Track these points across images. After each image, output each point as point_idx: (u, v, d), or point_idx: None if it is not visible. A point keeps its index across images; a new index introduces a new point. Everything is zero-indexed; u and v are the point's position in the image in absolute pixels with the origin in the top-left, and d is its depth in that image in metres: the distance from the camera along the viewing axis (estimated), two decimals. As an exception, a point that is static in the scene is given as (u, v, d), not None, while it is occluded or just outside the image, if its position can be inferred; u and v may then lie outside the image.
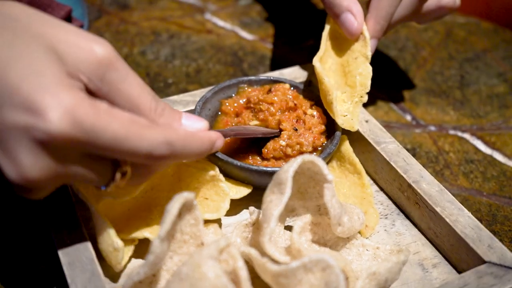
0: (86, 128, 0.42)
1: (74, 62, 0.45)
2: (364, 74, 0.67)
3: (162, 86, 0.84)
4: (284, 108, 0.67)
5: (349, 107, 0.67)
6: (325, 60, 0.70)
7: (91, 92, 0.46)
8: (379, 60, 0.94)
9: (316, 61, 0.66)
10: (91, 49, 0.45)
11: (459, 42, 1.01)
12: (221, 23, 1.01)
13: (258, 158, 0.65)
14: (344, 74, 0.69)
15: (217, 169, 0.60)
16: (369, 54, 0.68)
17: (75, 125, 0.42)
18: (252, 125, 0.66)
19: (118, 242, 0.51)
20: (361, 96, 0.67)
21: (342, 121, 0.65)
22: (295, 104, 0.67)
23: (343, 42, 0.71)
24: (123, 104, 0.47)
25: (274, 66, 0.90)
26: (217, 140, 0.54)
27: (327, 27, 0.71)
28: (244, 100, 0.70)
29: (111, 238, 0.51)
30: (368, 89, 0.67)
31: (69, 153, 0.44)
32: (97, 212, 0.52)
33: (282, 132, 0.65)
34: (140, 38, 0.94)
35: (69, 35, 0.46)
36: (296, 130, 0.66)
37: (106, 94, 0.47)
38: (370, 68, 0.67)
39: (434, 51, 0.98)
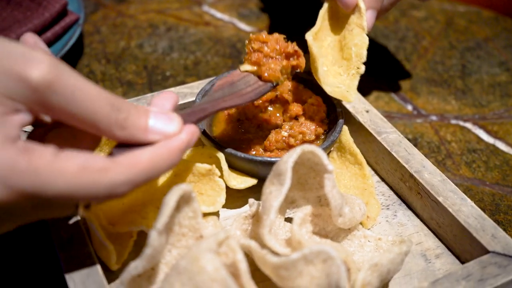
0: (28, 192, 0.38)
1: (5, 93, 0.39)
2: (359, 44, 0.65)
3: (160, 79, 0.83)
4: (282, 52, 0.62)
5: (345, 79, 0.65)
6: (323, 38, 0.68)
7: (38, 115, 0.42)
8: (380, 50, 0.93)
9: (308, 35, 0.63)
10: (23, 75, 0.38)
11: (460, 31, 1.00)
12: (219, 15, 1.00)
13: (261, 150, 0.64)
14: (341, 49, 0.67)
15: (213, 165, 0.59)
16: (365, 24, 0.65)
17: (14, 192, 0.38)
18: (243, 71, 0.61)
19: (107, 244, 0.50)
20: (358, 68, 0.64)
21: (330, 89, 0.63)
22: (295, 51, 0.62)
23: (341, 19, 0.68)
24: (78, 124, 0.42)
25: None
26: (190, 139, 0.47)
27: (325, 5, 0.69)
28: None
29: (101, 240, 0.51)
30: (363, 59, 0.64)
31: (21, 211, 0.40)
32: (86, 214, 0.52)
33: (283, 123, 0.64)
34: (137, 31, 0.93)
35: None
36: (297, 119, 0.65)
37: (56, 116, 0.41)
38: (366, 38, 0.65)
39: (434, 41, 0.97)
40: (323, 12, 0.68)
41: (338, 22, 0.69)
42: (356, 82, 0.64)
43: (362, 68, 0.64)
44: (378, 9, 0.67)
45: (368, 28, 0.65)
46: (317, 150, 0.51)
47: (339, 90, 0.64)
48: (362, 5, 0.65)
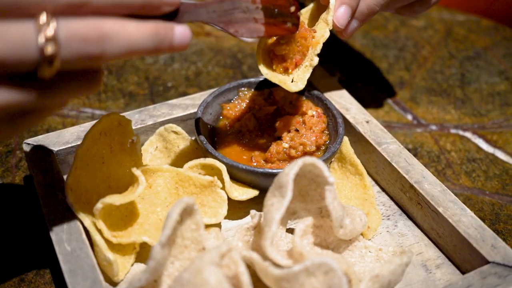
0: None
1: None
2: (317, 37, 0.63)
3: (162, 90, 0.84)
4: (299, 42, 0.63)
5: (297, 70, 0.63)
6: None
7: None
8: (380, 60, 0.94)
9: None
10: None
11: (459, 40, 1.00)
12: (220, 25, 1.00)
13: (263, 161, 0.64)
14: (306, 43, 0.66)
15: (215, 177, 0.59)
16: (330, 19, 0.64)
17: None
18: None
19: (110, 256, 0.51)
20: (311, 60, 0.63)
21: (266, 72, 0.62)
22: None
23: (317, 17, 0.68)
24: None
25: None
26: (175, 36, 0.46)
27: (310, 5, 0.68)
28: (245, 104, 0.69)
29: (103, 253, 0.51)
30: (317, 51, 0.62)
31: None
32: (89, 226, 0.52)
33: (284, 134, 0.65)
34: None
35: None
36: (298, 131, 0.65)
37: None
38: (327, 32, 0.63)
39: (434, 50, 0.97)
40: (305, 11, 0.68)
41: (314, 20, 0.68)
42: (307, 74, 0.62)
43: (315, 60, 0.62)
44: (354, 7, 0.64)
45: (340, 24, 0.64)
46: (318, 162, 0.52)
47: (279, 77, 0.62)
48: (332, 0, 0.64)
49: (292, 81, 0.62)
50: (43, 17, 0.40)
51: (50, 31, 0.40)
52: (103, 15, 0.43)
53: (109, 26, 0.42)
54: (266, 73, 0.62)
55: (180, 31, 0.47)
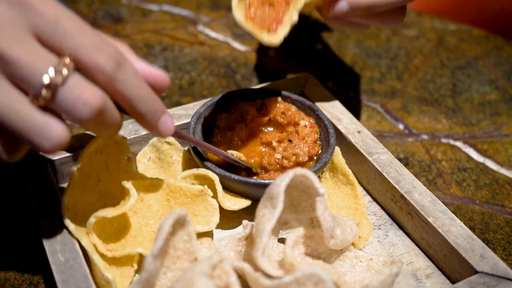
0: None
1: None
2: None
3: (156, 99, 0.85)
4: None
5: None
6: None
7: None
8: (372, 69, 0.95)
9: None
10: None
11: (451, 49, 1.01)
12: (213, 34, 1.01)
13: (258, 169, 0.65)
14: None
15: (205, 186, 0.60)
16: None
17: None
18: (231, 154, 0.65)
19: (109, 276, 0.51)
20: (292, 14, 0.58)
21: (239, 18, 0.59)
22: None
23: None
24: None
25: (267, 77, 0.90)
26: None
27: None
28: (238, 114, 0.70)
29: (101, 272, 0.51)
30: (299, 7, 0.58)
31: None
32: (86, 246, 0.53)
33: (276, 145, 0.66)
34: (133, 51, 0.95)
35: None
36: (291, 141, 0.66)
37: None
38: None
39: (426, 59, 0.98)
40: None
41: None
42: (285, 30, 0.59)
43: (295, 16, 0.58)
44: None
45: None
46: (308, 173, 0.52)
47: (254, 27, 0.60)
48: None
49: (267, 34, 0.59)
50: (65, 60, 0.44)
51: (62, 74, 0.44)
52: (109, 93, 0.47)
53: (109, 107, 0.47)
54: (239, 19, 0.59)
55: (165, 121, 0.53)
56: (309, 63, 0.94)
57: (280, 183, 0.52)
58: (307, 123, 0.68)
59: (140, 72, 0.50)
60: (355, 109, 0.84)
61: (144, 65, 0.52)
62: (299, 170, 0.52)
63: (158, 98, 0.51)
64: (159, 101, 0.51)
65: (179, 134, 0.57)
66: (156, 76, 0.52)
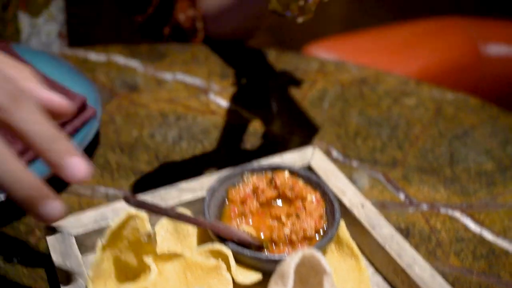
0: None
1: None
2: None
3: (171, 168, 0.90)
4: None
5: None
6: None
7: None
8: (373, 138, 1.00)
9: None
10: None
11: (448, 119, 1.07)
12: (223, 103, 1.07)
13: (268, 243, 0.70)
14: None
15: (219, 259, 0.65)
16: None
17: None
18: (242, 230, 0.69)
19: None
20: None
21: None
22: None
23: None
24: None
25: (276, 146, 0.95)
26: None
27: None
28: (248, 188, 0.75)
29: None
30: None
31: None
32: None
33: (285, 219, 0.71)
34: (149, 120, 1.01)
35: None
36: (298, 216, 0.71)
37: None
38: None
39: (425, 129, 1.04)
40: None
41: None
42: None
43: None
44: None
45: None
46: (315, 254, 0.57)
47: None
48: None
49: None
50: None
51: None
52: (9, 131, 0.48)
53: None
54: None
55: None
56: (314, 132, 0.99)
57: (290, 262, 0.56)
58: (313, 198, 0.73)
59: (44, 99, 0.52)
60: (358, 180, 0.89)
61: (46, 93, 0.53)
62: (307, 251, 0.57)
63: (63, 136, 0.50)
64: (64, 139, 0.50)
65: (190, 220, 0.63)
66: (57, 104, 0.53)
